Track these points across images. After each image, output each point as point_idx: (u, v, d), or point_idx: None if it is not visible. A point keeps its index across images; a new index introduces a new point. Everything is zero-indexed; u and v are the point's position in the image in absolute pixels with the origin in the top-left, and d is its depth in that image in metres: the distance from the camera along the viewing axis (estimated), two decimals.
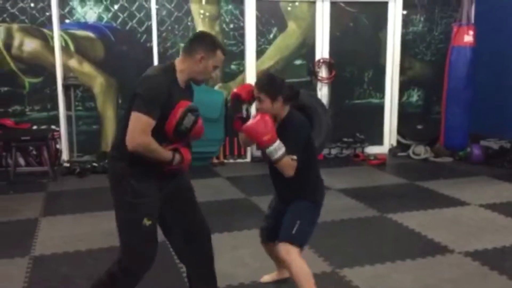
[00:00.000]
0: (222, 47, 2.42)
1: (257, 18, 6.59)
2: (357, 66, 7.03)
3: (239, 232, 4.01)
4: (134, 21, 6.28)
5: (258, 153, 6.70)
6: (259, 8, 6.57)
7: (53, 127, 6.12)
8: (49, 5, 5.98)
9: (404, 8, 6.94)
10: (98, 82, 6.29)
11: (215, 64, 2.40)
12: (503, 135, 6.47)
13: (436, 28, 7.10)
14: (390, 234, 4.04)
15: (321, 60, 6.80)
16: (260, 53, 6.67)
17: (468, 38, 6.31)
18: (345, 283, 3.12)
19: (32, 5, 5.97)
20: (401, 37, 6.97)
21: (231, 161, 6.59)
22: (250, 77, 6.62)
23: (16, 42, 5.99)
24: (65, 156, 6.22)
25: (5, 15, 5.91)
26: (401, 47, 6.99)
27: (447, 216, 4.42)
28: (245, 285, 3.08)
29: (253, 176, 6.09)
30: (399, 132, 7.15)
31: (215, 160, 6.46)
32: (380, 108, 7.14)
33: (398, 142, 7.14)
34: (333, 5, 6.75)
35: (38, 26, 6.02)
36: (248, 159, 6.70)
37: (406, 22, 7.01)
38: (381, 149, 7.11)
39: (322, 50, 6.82)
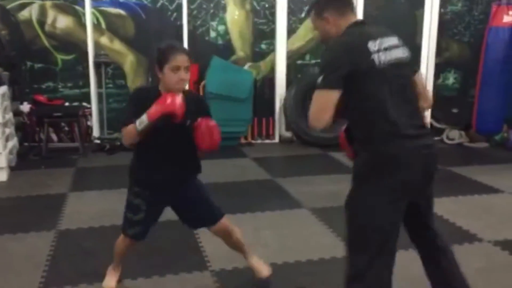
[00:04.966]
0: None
1: None
2: None
3: (261, 213, 3.98)
4: None
5: (287, 134, 6.64)
6: None
7: (84, 104, 6.22)
8: None
9: None
10: (128, 59, 6.32)
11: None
12: None
13: (476, 8, 6.78)
14: None
15: None
16: (291, 32, 6.55)
17: (508, 18, 6.00)
18: None
19: None
20: (438, 16, 6.70)
21: (259, 141, 6.54)
22: (280, 57, 6.52)
23: (49, 19, 6.07)
24: (95, 133, 6.32)
25: None
26: (438, 27, 6.72)
27: (479, 203, 4.27)
28: None
29: (280, 157, 6.04)
30: (433, 115, 6.93)
31: (243, 141, 6.43)
32: None
33: (432, 125, 6.93)
34: None
35: (70, 3, 6.08)
36: (276, 140, 6.64)
37: (445, 1, 6.72)
38: None
39: None
